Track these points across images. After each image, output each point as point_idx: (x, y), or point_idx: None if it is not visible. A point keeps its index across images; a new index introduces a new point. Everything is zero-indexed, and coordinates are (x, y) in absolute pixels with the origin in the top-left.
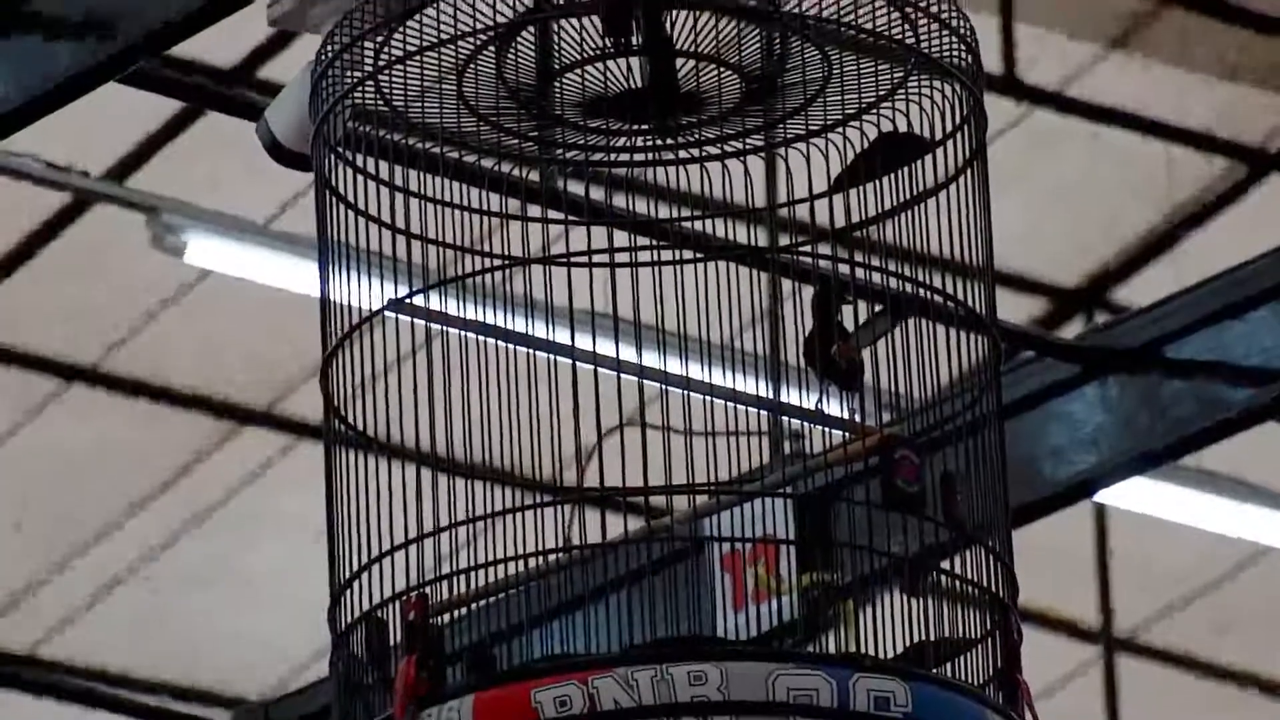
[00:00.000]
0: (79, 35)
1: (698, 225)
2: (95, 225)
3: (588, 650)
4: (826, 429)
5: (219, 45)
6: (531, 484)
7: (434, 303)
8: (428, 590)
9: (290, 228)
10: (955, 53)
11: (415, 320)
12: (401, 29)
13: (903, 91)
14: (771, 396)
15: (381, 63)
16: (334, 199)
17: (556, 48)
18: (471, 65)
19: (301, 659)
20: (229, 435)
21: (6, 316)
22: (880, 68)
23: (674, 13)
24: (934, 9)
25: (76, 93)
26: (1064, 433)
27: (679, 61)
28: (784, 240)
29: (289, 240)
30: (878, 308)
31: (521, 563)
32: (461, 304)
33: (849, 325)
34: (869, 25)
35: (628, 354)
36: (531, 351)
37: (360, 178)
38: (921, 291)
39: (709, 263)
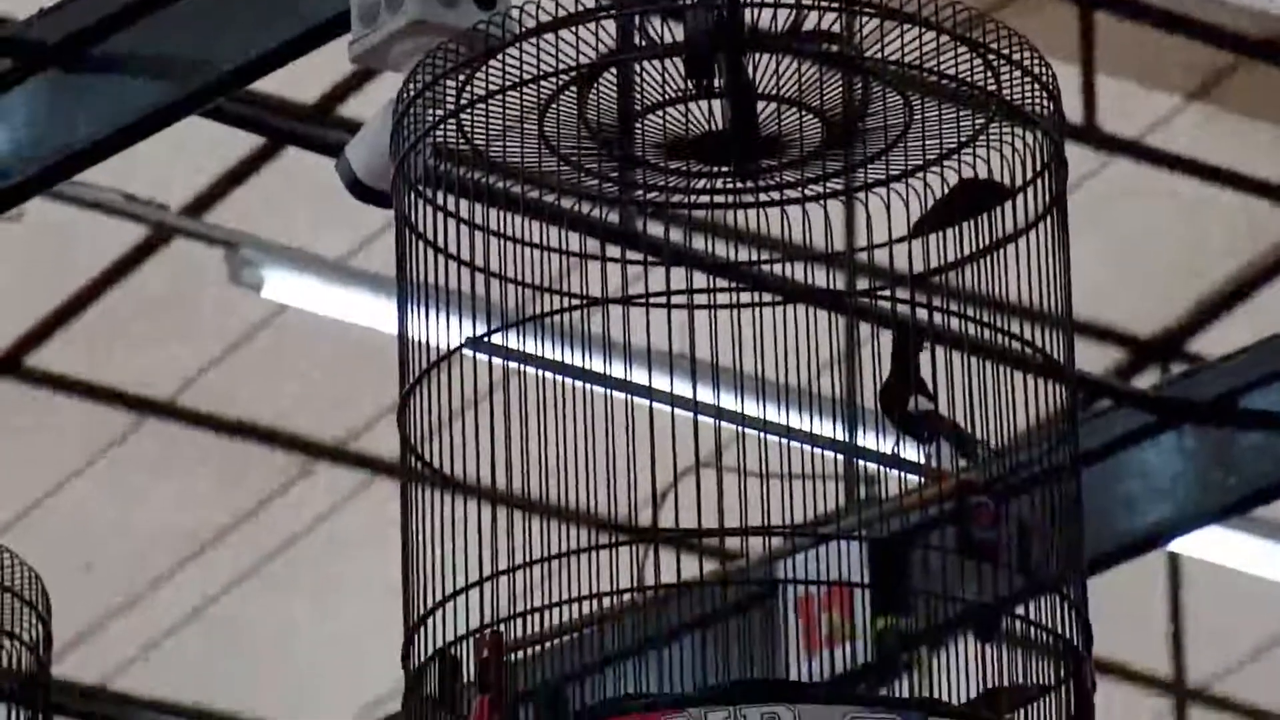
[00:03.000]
0: (160, 72)
1: (776, 268)
2: (174, 260)
3: (661, 691)
4: (902, 474)
5: (300, 82)
6: (607, 524)
7: (512, 342)
8: (502, 628)
9: (369, 265)
10: (1037, 100)
11: (493, 359)
12: (484, 68)
13: (983, 138)
14: (847, 440)
15: (463, 101)
16: (414, 237)
17: (638, 89)
18: (553, 105)
19: (374, 697)
20: (304, 472)
21: (83, 350)
22: (962, 114)
23: (756, 56)
24: (1016, 56)
25: (156, 127)
26: (1139, 482)
27: (760, 104)
28: (862, 284)
29: (367, 277)
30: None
31: (595, 602)
32: (539, 343)
33: (926, 372)
34: (951, 71)
35: (705, 396)
36: (609, 392)
37: (440, 216)
38: (1000, 338)
39: (787, 306)
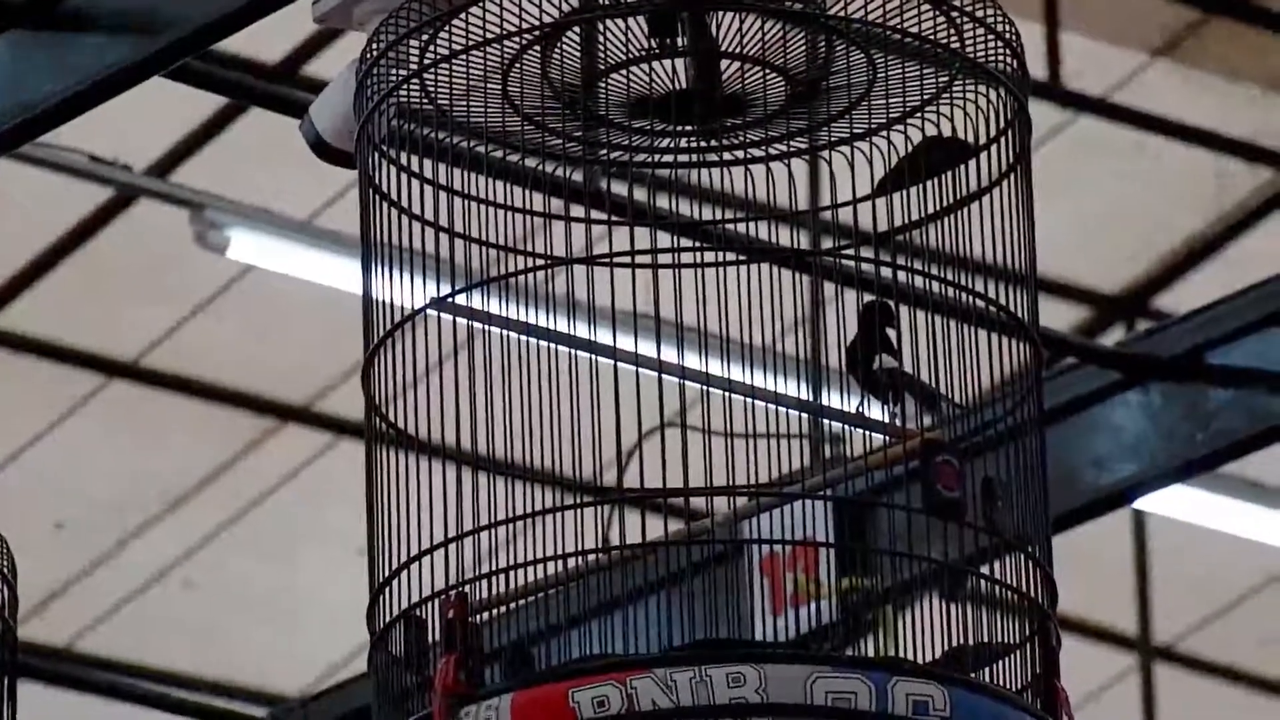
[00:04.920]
0: (124, 31)
1: (740, 227)
2: (138, 221)
3: (626, 651)
4: (867, 433)
5: (264, 42)
6: (571, 484)
7: (476, 302)
8: (467, 589)
9: (334, 225)
10: (1000, 57)
11: (457, 319)
12: (447, 27)
13: (947, 96)
14: (812, 399)
15: (427, 61)
16: (378, 197)
17: (602, 48)
18: (517, 65)
19: (341, 656)
20: (270, 433)
21: (48, 311)
22: (925, 72)
23: (719, 15)
24: (979, 13)
25: (121, 88)
26: (1105, 440)
27: (724, 63)
28: (827, 243)
29: (332, 237)
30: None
31: (561, 563)
32: (504, 303)
33: (893, 339)
34: (914, 29)
35: (669, 355)
36: (573, 352)
37: (404, 176)
38: (964, 296)
39: (751, 265)
